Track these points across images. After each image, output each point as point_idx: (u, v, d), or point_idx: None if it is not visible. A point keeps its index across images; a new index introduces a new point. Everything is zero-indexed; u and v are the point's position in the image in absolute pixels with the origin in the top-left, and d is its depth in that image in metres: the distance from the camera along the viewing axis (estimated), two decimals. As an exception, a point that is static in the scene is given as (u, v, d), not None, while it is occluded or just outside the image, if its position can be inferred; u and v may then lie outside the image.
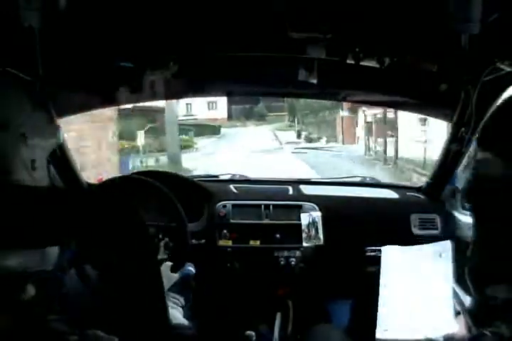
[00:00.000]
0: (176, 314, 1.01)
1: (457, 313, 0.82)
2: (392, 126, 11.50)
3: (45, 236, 0.50)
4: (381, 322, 0.82)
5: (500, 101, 0.63)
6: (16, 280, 0.53)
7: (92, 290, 0.94)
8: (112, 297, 0.62)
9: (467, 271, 0.63)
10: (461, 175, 1.62)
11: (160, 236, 1.42)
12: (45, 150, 0.63)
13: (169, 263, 1.14)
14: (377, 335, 0.82)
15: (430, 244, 0.87)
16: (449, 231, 1.73)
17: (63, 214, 0.50)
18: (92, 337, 0.57)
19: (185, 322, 1.01)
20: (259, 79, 1.68)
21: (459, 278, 1.44)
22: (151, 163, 10.19)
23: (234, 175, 2.10)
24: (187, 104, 23.61)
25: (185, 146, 14.57)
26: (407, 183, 4.11)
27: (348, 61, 1.27)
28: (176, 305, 1.04)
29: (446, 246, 0.86)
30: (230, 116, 28.28)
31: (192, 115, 22.95)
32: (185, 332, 0.94)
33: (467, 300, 1.33)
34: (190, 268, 1.17)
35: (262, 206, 1.74)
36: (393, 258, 0.85)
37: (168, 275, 1.12)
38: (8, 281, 0.51)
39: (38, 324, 0.51)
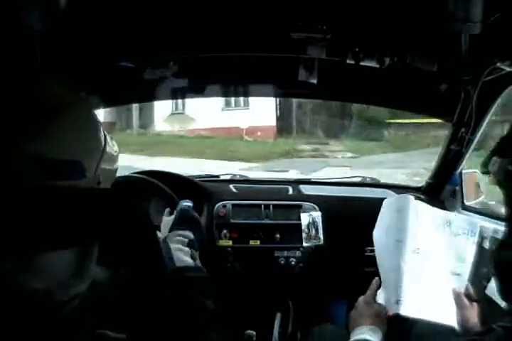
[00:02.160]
0: (180, 255, 0.93)
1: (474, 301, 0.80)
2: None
3: (52, 239, 0.49)
4: (394, 292, 0.78)
5: None
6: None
7: (100, 290, 0.94)
8: (120, 296, 0.61)
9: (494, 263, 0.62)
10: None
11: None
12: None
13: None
14: (387, 306, 0.79)
15: (462, 216, 0.85)
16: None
17: (77, 215, 0.50)
18: (101, 337, 0.56)
19: (190, 262, 0.94)
20: (259, 79, 1.68)
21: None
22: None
23: (234, 175, 2.10)
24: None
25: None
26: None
27: (348, 61, 1.27)
28: (181, 245, 0.97)
29: (477, 225, 0.83)
30: (282, 129, 12.57)
31: (181, 113, 12.75)
32: (190, 275, 0.88)
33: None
34: (187, 204, 1.12)
35: (262, 206, 1.74)
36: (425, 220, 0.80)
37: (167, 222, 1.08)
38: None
39: (45, 325, 0.51)
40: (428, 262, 0.78)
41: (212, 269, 1.67)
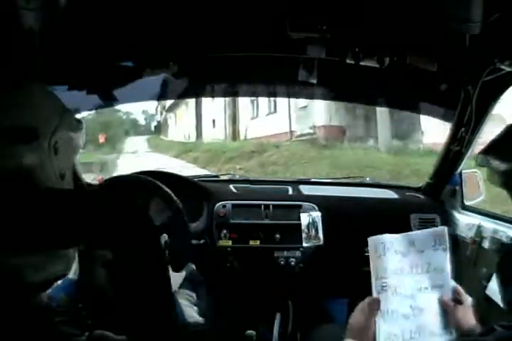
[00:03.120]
0: (190, 312, 1.01)
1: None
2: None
3: (56, 238, 0.49)
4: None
5: None
6: (40, 284, 0.52)
7: (101, 290, 0.94)
8: (121, 296, 0.61)
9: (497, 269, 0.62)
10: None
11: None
12: (73, 159, 0.61)
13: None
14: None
15: (425, 231, 0.85)
16: (449, 231, 1.73)
17: (70, 214, 0.50)
18: (100, 338, 0.56)
19: (199, 319, 1.01)
20: (259, 79, 1.68)
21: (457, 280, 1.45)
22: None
23: (234, 175, 2.10)
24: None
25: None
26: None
27: (348, 61, 1.27)
28: (189, 303, 1.05)
29: (443, 233, 0.84)
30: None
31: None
32: (199, 329, 0.94)
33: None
34: (190, 265, 1.19)
35: (262, 206, 1.74)
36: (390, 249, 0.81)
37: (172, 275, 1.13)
38: (28, 285, 0.50)
39: (46, 327, 0.51)
40: (398, 293, 0.78)
41: (213, 269, 1.69)
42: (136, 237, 0.58)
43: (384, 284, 0.78)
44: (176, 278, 1.14)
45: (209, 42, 1.28)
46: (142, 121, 30.80)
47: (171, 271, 1.18)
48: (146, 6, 1.02)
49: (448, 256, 0.81)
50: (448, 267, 0.81)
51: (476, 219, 1.55)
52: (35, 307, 0.51)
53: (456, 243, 1.65)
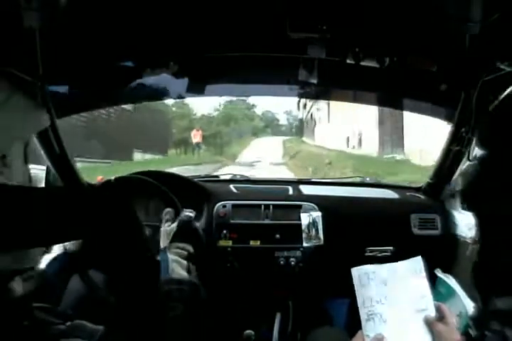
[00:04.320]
0: (177, 267, 0.95)
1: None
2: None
3: (36, 236, 0.50)
4: None
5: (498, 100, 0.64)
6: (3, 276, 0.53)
7: (97, 294, 0.94)
8: (116, 299, 0.62)
9: (471, 274, 0.63)
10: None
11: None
12: (22, 141, 0.60)
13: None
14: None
15: (404, 262, 0.89)
16: (449, 231, 1.73)
17: (61, 214, 0.50)
18: (79, 327, 0.57)
19: (185, 275, 0.95)
20: (259, 79, 1.68)
21: (457, 280, 1.44)
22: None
23: (234, 175, 2.10)
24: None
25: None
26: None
27: (348, 61, 1.27)
28: (179, 257, 0.98)
29: (418, 262, 0.88)
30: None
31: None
32: (181, 288, 0.88)
33: (468, 303, 1.33)
34: (188, 214, 1.12)
35: (262, 206, 1.74)
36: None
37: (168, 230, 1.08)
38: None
39: (23, 314, 0.52)
40: (384, 320, 0.82)
41: (213, 269, 1.68)
42: (126, 238, 0.58)
43: (370, 312, 0.82)
44: (168, 232, 1.09)
45: (209, 42, 1.28)
46: (284, 121, 26.58)
47: (163, 226, 1.14)
48: (146, 6, 1.03)
49: (427, 282, 0.84)
50: (429, 292, 0.83)
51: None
52: (12, 294, 0.52)
53: (457, 243, 1.65)
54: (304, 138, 18.41)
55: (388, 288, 0.83)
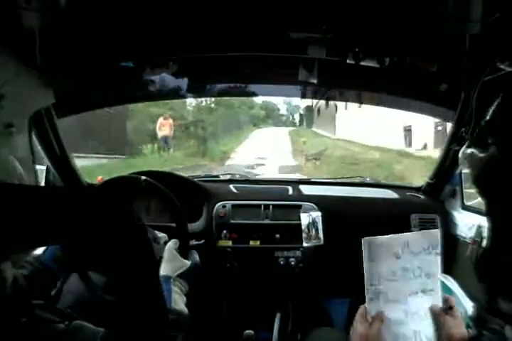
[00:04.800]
0: (178, 300, 1.03)
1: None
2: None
3: (35, 235, 0.50)
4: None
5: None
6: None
7: (96, 295, 0.95)
8: (115, 302, 0.62)
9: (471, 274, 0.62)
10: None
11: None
12: (26, 115, 0.59)
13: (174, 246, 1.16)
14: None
15: (419, 233, 0.85)
16: (449, 231, 1.73)
17: (57, 213, 0.50)
18: (78, 327, 0.57)
19: (183, 308, 1.03)
20: (259, 79, 1.68)
21: (457, 280, 1.44)
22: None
23: (234, 175, 2.10)
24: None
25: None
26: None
27: (348, 61, 1.27)
28: (180, 291, 1.07)
29: (437, 236, 0.84)
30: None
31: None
32: (180, 319, 0.95)
33: (466, 303, 1.33)
34: (195, 256, 1.21)
35: (262, 206, 1.74)
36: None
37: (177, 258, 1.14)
38: None
39: (21, 310, 0.52)
40: (390, 299, 0.80)
41: (213, 269, 1.68)
42: (125, 241, 0.58)
43: (377, 290, 0.80)
44: (179, 264, 1.15)
45: (209, 42, 1.28)
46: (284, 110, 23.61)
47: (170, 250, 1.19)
48: (146, 6, 1.02)
49: (439, 261, 0.81)
50: (438, 272, 0.81)
51: (476, 219, 1.55)
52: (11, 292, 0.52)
53: (456, 243, 1.65)
54: (316, 129, 14.70)
55: (399, 262, 0.80)
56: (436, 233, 0.82)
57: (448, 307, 0.79)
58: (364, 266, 0.81)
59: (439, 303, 0.80)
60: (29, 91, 0.57)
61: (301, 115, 20.33)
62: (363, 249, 0.81)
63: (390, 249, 0.81)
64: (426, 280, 0.80)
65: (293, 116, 23.20)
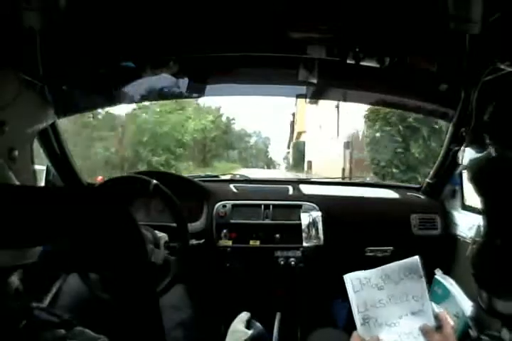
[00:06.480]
0: None
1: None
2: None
3: (31, 235, 0.50)
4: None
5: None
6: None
7: (95, 296, 0.95)
8: (112, 304, 0.62)
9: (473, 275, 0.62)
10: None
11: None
12: (28, 137, 0.59)
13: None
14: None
15: (397, 263, 0.87)
16: (449, 231, 1.73)
17: (55, 213, 0.50)
18: (79, 333, 0.57)
19: None
20: (259, 79, 1.68)
21: (457, 280, 1.44)
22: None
23: (234, 175, 2.10)
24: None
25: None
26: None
27: (348, 61, 1.27)
28: None
29: (416, 263, 0.85)
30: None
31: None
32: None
33: (465, 303, 1.33)
34: (258, 326, 1.11)
35: (262, 206, 1.74)
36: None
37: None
38: None
39: (22, 312, 0.52)
40: (380, 323, 0.81)
41: (213, 269, 1.68)
42: (120, 242, 0.57)
43: (365, 317, 0.81)
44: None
45: (209, 42, 1.28)
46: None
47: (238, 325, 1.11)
48: (146, 6, 1.03)
49: (424, 282, 0.82)
50: (426, 293, 0.82)
51: (476, 219, 1.55)
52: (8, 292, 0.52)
53: (456, 243, 1.65)
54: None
55: (383, 292, 0.82)
56: (415, 260, 0.83)
57: (439, 325, 0.80)
58: (349, 297, 0.82)
59: (431, 322, 0.81)
60: (30, 111, 0.56)
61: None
62: (345, 284, 0.83)
63: (371, 282, 0.83)
64: (414, 303, 0.82)
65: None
